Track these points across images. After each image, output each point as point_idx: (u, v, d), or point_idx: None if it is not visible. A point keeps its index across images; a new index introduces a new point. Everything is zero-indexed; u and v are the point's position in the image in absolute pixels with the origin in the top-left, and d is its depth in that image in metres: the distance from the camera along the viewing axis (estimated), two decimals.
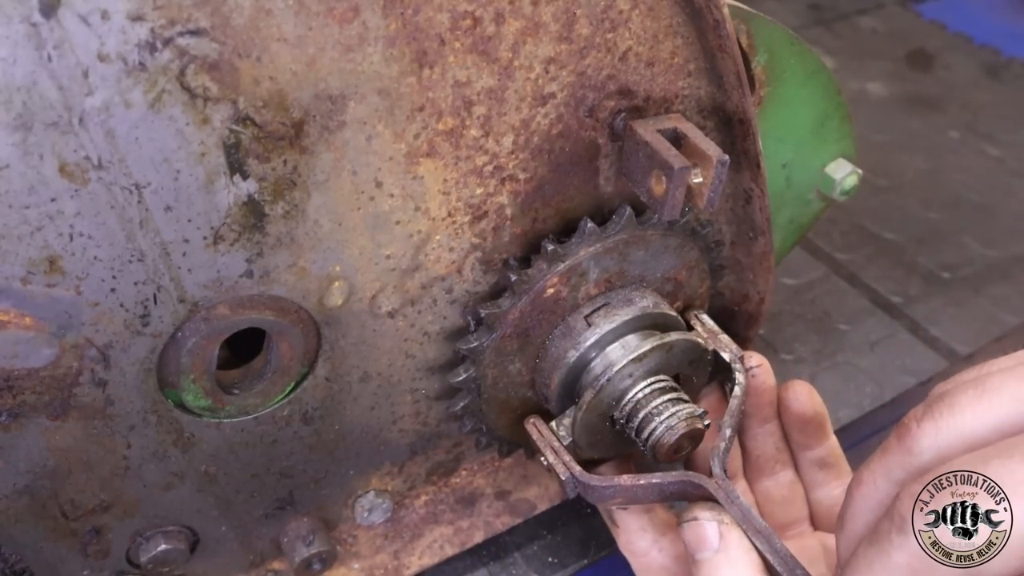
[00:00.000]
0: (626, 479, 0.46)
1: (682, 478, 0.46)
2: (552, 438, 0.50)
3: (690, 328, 0.54)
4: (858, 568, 0.36)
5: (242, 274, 0.41)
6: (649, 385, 0.49)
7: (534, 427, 0.52)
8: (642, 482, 0.46)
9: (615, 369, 0.48)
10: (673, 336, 0.49)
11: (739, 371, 0.52)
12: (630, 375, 0.49)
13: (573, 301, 0.50)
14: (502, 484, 0.63)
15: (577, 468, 0.48)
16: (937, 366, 0.79)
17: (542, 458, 0.50)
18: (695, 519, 0.44)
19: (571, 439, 0.50)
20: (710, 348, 0.53)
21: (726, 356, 0.53)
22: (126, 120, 0.34)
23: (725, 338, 0.54)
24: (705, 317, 0.55)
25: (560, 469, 0.48)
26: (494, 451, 0.58)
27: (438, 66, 0.39)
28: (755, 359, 0.55)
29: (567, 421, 0.50)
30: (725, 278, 0.58)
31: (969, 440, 0.36)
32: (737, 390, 0.51)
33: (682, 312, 0.55)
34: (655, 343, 0.49)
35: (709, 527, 0.44)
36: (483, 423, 0.54)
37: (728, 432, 0.49)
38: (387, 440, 0.55)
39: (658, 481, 0.46)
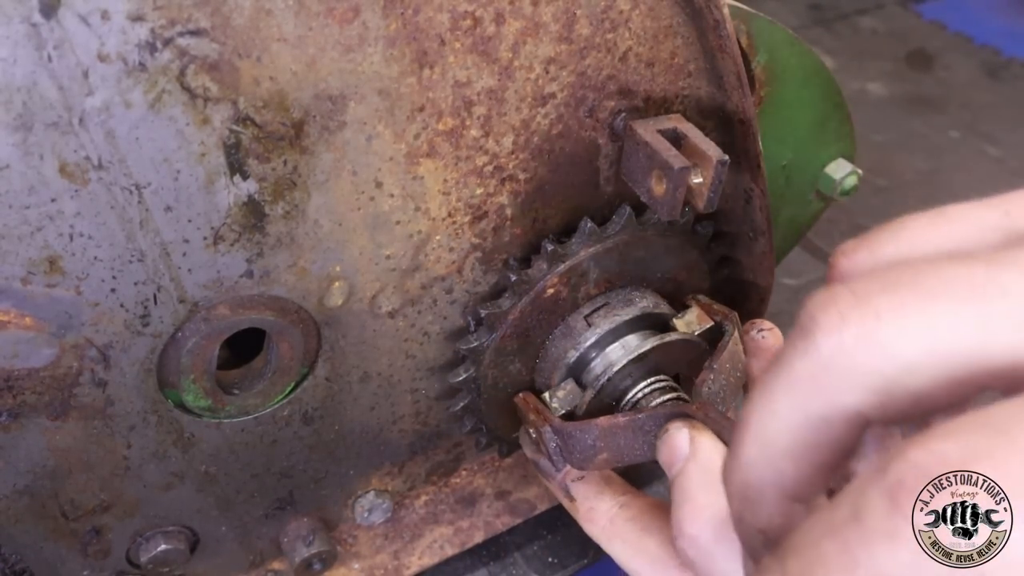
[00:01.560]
0: (603, 420, 0.45)
1: (662, 410, 0.45)
2: (545, 411, 0.49)
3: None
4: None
5: (242, 274, 0.41)
6: (649, 385, 0.49)
7: (523, 400, 0.50)
8: (621, 420, 0.45)
9: (615, 369, 0.48)
10: (673, 336, 0.49)
11: (729, 324, 0.50)
12: (630, 375, 0.49)
13: (573, 301, 0.50)
14: (502, 484, 0.63)
15: (556, 419, 0.47)
16: None
17: (528, 430, 0.49)
18: (666, 431, 0.43)
19: (564, 412, 0.49)
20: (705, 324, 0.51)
21: (716, 317, 0.51)
22: (126, 120, 0.34)
23: (717, 307, 0.52)
24: (701, 296, 0.54)
25: (539, 424, 0.47)
26: (494, 451, 0.58)
27: (438, 66, 0.39)
28: (766, 324, 0.53)
29: (561, 393, 0.50)
30: None
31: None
32: (727, 337, 0.49)
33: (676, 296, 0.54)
34: (655, 343, 0.48)
35: (679, 435, 0.42)
36: (483, 423, 0.54)
37: (715, 366, 0.47)
38: (387, 440, 0.55)
39: (640, 416, 0.45)
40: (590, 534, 0.50)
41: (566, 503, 0.52)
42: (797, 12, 1.38)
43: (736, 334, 0.50)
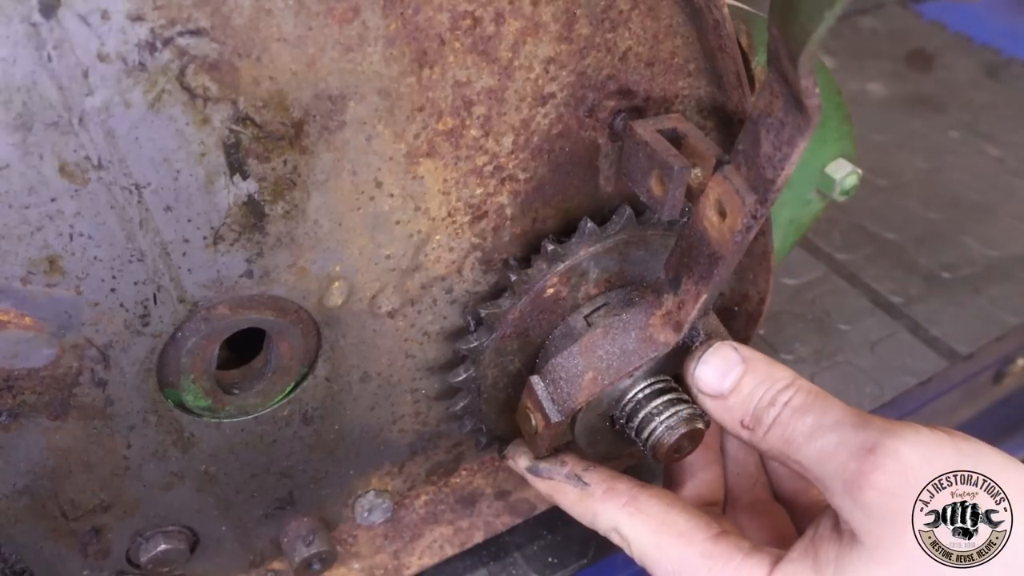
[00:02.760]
0: (581, 341, 0.46)
1: (632, 311, 0.46)
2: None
3: None
4: None
5: (242, 274, 0.41)
6: (649, 385, 0.49)
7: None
8: (597, 331, 0.46)
9: None
10: None
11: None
12: (630, 375, 0.48)
13: (573, 301, 0.50)
14: (502, 484, 0.63)
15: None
16: (937, 366, 0.79)
17: (528, 414, 0.49)
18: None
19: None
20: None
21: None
22: (126, 120, 0.34)
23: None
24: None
25: (532, 379, 0.47)
26: (494, 451, 0.58)
27: (438, 66, 0.39)
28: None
29: None
30: None
31: None
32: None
33: None
34: None
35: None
36: (483, 423, 0.54)
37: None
38: (387, 440, 0.55)
39: (614, 322, 0.46)
40: (603, 515, 0.49)
41: (573, 495, 0.51)
42: None
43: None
